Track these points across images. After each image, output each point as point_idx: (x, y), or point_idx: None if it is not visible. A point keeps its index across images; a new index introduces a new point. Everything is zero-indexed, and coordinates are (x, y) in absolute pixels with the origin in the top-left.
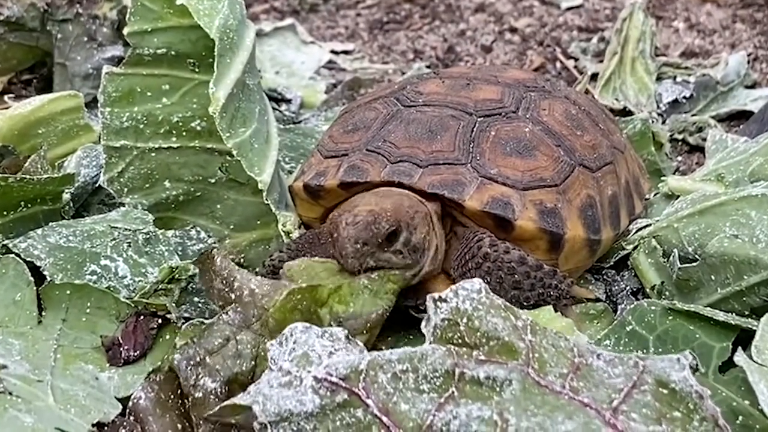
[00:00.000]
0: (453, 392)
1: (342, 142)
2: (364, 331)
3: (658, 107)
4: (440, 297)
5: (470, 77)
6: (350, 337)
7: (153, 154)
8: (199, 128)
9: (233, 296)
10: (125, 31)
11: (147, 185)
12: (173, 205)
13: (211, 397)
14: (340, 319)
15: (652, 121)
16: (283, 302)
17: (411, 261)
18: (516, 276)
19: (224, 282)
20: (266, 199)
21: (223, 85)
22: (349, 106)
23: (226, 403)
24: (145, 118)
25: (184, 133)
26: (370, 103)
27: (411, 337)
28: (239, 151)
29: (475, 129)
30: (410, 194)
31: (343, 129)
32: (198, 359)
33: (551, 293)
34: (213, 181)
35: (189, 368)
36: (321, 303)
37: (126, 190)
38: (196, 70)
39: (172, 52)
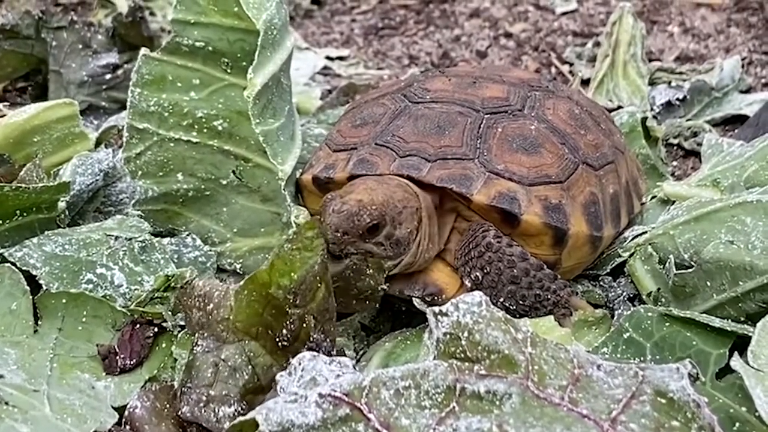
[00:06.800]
0: (454, 407)
1: (350, 136)
2: (318, 285)
3: (651, 109)
4: (441, 311)
5: (476, 76)
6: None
7: (172, 144)
8: (220, 128)
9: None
10: (170, 16)
11: (161, 173)
12: (181, 200)
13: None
14: (293, 289)
15: (645, 118)
16: (237, 304)
17: (392, 253)
18: (515, 270)
19: (201, 306)
20: (283, 189)
21: (260, 74)
22: (356, 102)
23: (233, 423)
24: (171, 107)
25: (205, 130)
26: (378, 99)
27: (408, 342)
28: (265, 138)
29: (482, 126)
30: (408, 186)
31: (351, 124)
32: (204, 399)
33: (549, 297)
34: (224, 182)
35: (203, 411)
36: (268, 285)
37: (140, 173)
38: (228, 71)
39: (209, 48)
